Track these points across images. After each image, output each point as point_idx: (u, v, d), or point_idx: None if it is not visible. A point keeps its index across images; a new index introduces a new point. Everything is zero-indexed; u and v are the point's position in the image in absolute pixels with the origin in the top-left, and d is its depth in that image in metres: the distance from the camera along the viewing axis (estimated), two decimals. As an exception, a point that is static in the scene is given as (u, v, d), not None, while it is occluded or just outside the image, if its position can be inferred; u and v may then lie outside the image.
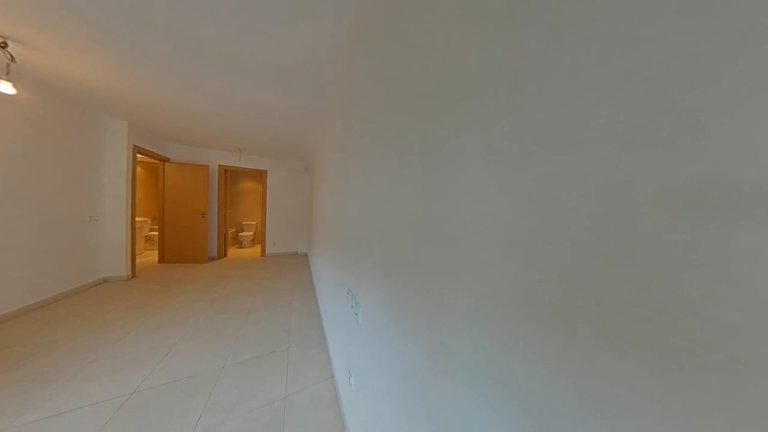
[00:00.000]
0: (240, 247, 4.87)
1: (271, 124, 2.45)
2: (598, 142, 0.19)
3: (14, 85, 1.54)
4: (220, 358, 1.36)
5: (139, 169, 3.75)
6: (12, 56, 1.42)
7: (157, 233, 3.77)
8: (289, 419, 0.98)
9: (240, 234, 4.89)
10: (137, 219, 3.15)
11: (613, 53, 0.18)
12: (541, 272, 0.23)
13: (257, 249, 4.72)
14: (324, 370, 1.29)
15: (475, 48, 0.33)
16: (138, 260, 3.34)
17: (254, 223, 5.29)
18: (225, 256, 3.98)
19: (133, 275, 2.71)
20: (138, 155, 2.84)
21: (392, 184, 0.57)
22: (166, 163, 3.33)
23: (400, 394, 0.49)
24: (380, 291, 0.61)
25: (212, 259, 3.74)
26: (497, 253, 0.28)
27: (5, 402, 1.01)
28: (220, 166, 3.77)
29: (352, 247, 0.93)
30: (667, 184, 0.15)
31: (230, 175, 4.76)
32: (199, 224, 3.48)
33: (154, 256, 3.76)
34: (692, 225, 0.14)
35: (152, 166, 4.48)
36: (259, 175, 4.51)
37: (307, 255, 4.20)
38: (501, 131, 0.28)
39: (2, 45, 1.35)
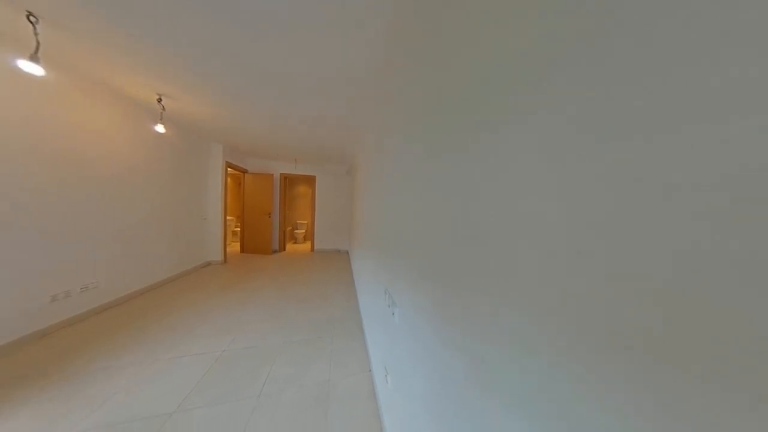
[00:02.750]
0: (295, 243, 5.66)
1: (317, 134, 2.76)
2: (724, 119, 0.14)
3: (164, 126, 2.26)
4: (280, 336, 1.63)
5: (228, 179, 4.87)
6: (164, 107, 2.08)
7: (239, 229, 4.79)
8: (331, 402, 1.10)
9: (295, 231, 5.69)
10: (228, 218, 4.09)
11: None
12: (627, 291, 0.18)
13: (308, 245, 5.39)
14: (362, 363, 1.38)
15: (528, 21, 0.28)
16: (228, 249, 4.33)
17: (305, 222, 6.06)
18: (284, 249, 4.72)
19: (225, 261, 3.54)
20: (228, 169, 3.69)
21: (429, 183, 0.56)
22: (245, 174, 4.19)
23: (438, 404, 0.48)
24: (417, 293, 0.61)
25: (275, 251, 4.48)
26: (560, 264, 0.23)
27: (156, 345, 1.50)
28: (281, 174, 4.49)
29: (389, 247, 0.96)
30: None
31: (288, 181, 5.60)
32: (266, 222, 4.24)
33: (236, 246, 4.78)
34: None
35: (236, 176, 5.71)
36: (309, 180, 5.15)
37: (348, 252, 4.53)
38: (565, 115, 0.23)
39: (159, 100, 2.00)
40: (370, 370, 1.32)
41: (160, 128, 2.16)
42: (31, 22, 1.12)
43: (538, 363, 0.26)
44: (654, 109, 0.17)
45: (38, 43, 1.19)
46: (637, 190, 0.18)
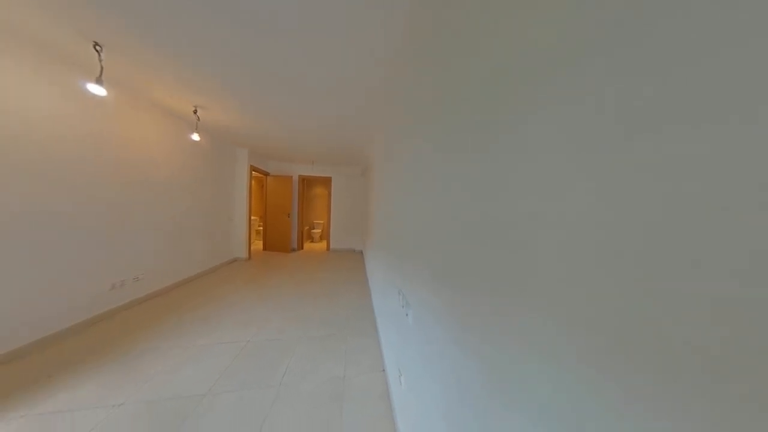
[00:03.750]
0: (312, 242, 5.89)
1: (333, 136, 2.85)
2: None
3: (199, 135, 2.49)
4: (298, 331, 1.71)
5: (252, 181, 5.22)
6: (198, 117, 2.30)
7: (262, 228, 5.10)
8: (346, 400, 1.13)
9: (312, 231, 5.92)
10: (252, 218, 4.39)
11: None
12: (673, 302, 0.16)
13: (324, 244, 5.57)
14: (376, 362, 1.39)
15: (551, 10, 0.27)
16: (252, 247, 4.64)
17: (321, 222, 6.27)
18: (302, 248, 4.93)
19: (249, 257, 3.80)
20: (252, 172, 3.95)
21: (442, 183, 0.56)
22: (267, 177, 4.46)
23: (453, 411, 0.47)
24: (432, 295, 0.60)
25: (293, 250, 4.70)
26: (592, 270, 0.21)
27: (192, 332, 1.66)
28: (299, 175, 4.71)
29: (403, 247, 0.96)
30: None
31: (305, 183, 5.85)
32: (286, 222, 4.47)
33: (259, 244, 5.11)
34: None
35: (259, 179, 6.10)
36: (326, 182, 5.33)
37: (362, 252, 4.60)
38: (592, 106, 0.22)
39: (194, 111, 2.22)
40: (383, 370, 1.32)
41: (195, 137, 2.38)
42: (96, 51, 1.31)
43: (567, 377, 0.24)
44: (705, 95, 0.15)
45: (102, 68, 1.39)
46: (696, 187, 0.15)
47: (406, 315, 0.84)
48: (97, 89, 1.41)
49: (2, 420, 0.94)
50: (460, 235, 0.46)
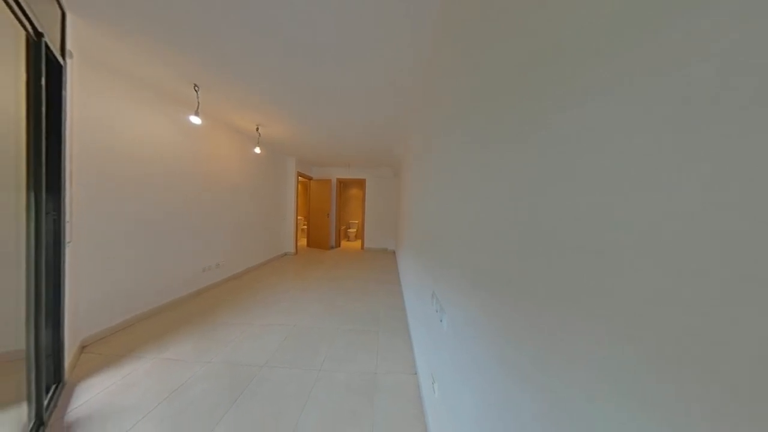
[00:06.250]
0: (348, 240, 6.27)
1: (365, 139, 2.98)
2: None
3: (260, 148, 2.98)
4: (335, 323, 1.86)
5: (298, 185, 5.90)
6: (260, 134, 2.76)
7: (306, 227, 5.71)
8: (377, 395, 1.17)
9: (348, 230, 6.30)
10: (298, 217, 4.97)
11: None
12: None
13: (358, 243, 5.86)
14: (407, 365, 1.40)
15: None
16: (297, 244, 5.26)
17: (356, 221, 6.61)
18: (339, 246, 5.31)
19: (296, 252, 4.31)
20: (299, 177, 4.48)
21: (481, 180, 0.51)
22: (311, 181, 4.98)
23: None
24: (471, 303, 0.56)
25: (332, 247, 5.10)
26: (707, 291, 0.15)
27: (254, 312, 2.00)
28: (337, 178, 5.08)
29: (436, 249, 0.93)
30: None
31: (342, 185, 6.27)
32: (325, 222, 4.90)
33: (304, 241, 5.73)
34: None
35: (304, 183, 6.84)
36: (360, 183, 5.60)
37: (394, 252, 4.64)
38: (710, 67, 0.15)
39: (257, 128, 2.66)
40: (415, 373, 1.32)
41: (257, 150, 2.86)
42: (195, 91, 1.73)
43: (655, 422, 0.18)
44: None
45: (198, 103, 1.82)
46: None
47: (440, 320, 0.82)
48: (195, 119, 1.84)
49: (141, 359, 1.34)
50: (510, 237, 0.40)
